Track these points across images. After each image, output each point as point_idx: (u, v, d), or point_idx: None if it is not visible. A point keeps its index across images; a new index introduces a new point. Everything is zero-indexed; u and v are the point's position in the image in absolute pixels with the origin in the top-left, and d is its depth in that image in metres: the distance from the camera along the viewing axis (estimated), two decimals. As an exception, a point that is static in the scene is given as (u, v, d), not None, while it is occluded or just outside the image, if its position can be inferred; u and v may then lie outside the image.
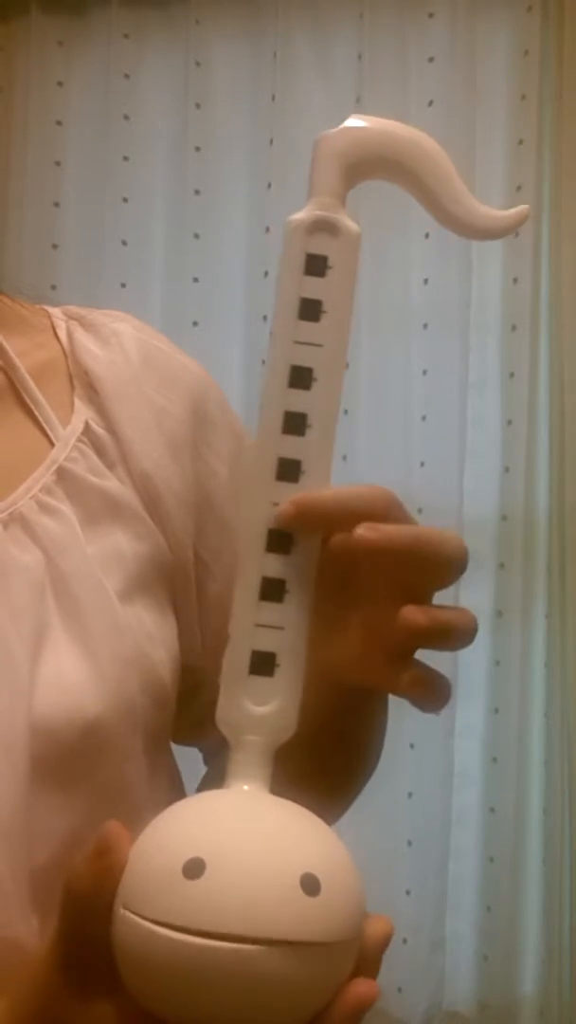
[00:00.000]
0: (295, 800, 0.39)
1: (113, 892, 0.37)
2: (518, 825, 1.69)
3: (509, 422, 1.72)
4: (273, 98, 1.79)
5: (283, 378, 0.43)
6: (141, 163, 1.85)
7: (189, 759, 0.62)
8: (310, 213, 0.43)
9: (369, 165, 0.44)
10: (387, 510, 0.42)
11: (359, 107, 1.71)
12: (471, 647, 0.43)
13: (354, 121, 0.44)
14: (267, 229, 1.77)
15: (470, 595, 1.63)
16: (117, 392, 0.56)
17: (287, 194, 1.72)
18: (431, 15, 1.77)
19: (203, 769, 0.65)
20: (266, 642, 0.42)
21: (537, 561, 1.70)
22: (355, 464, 1.71)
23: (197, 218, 1.82)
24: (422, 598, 0.42)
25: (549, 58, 1.73)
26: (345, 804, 0.59)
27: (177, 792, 0.58)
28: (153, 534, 0.54)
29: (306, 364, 0.43)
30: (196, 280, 1.81)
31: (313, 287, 0.43)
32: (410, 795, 1.71)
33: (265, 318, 1.71)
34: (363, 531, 0.41)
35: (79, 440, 0.54)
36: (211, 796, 0.42)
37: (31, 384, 0.55)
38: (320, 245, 0.43)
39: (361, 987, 0.37)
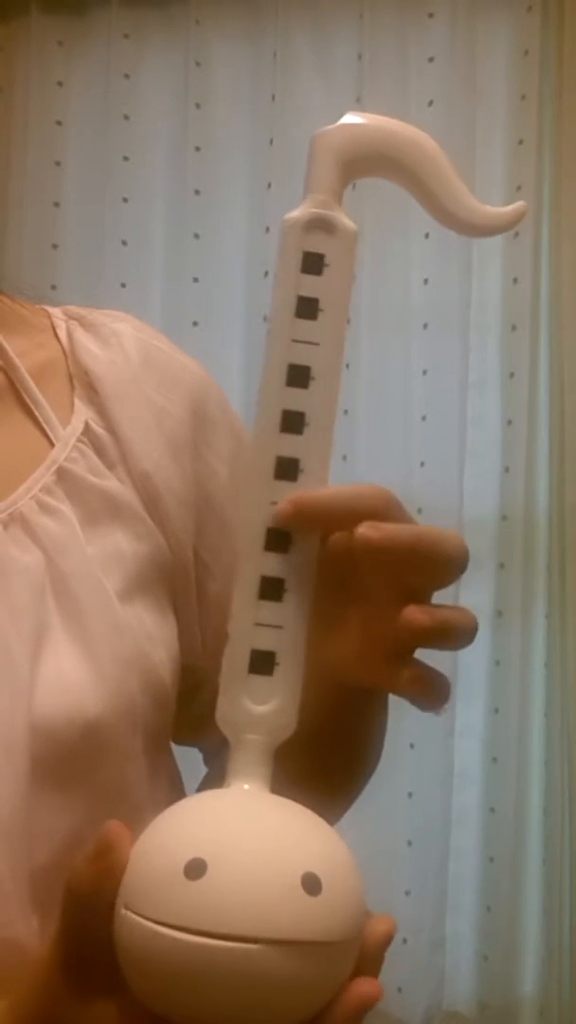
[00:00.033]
0: (296, 799, 0.39)
1: (114, 892, 0.37)
2: (518, 825, 1.69)
3: (509, 422, 1.72)
4: (273, 98, 1.79)
5: (281, 377, 0.43)
6: (141, 163, 1.85)
7: (189, 759, 0.62)
8: (306, 211, 0.43)
9: (366, 162, 0.44)
10: (386, 509, 0.42)
11: (359, 107, 1.70)
12: (471, 647, 0.43)
13: (351, 118, 0.44)
14: (267, 229, 1.77)
15: (470, 595, 1.63)
16: (117, 392, 0.56)
17: (287, 194, 1.72)
18: (431, 15, 1.77)
19: (203, 769, 0.65)
20: (265, 641, 0.42)
21: (537, 561, 1.70)
22: (355, 464, 1.71)
23: (197, 218, 1.82)
24: (422, 597, 0.42)
25: (549, 58, 1.73)
26: (346, 803, 0.59)
27: (177, 792, 0.58)
28: (153, 534, 0.54)
29: (304, 363, 0.43)
30: (196, 280, 1.81)
31: (310, 285, 0.43)
32: (410, 795, 1.71)
33: (265, 318, 1.71)
34: (365, 530, 0.41)
35: (79, 440, 0.54)
36: (212, 796, 0.42)
37: (31, 384, 0.55)
38: (317, 243, 0.43)
39: (363, 986, 0.37)
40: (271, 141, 1.78)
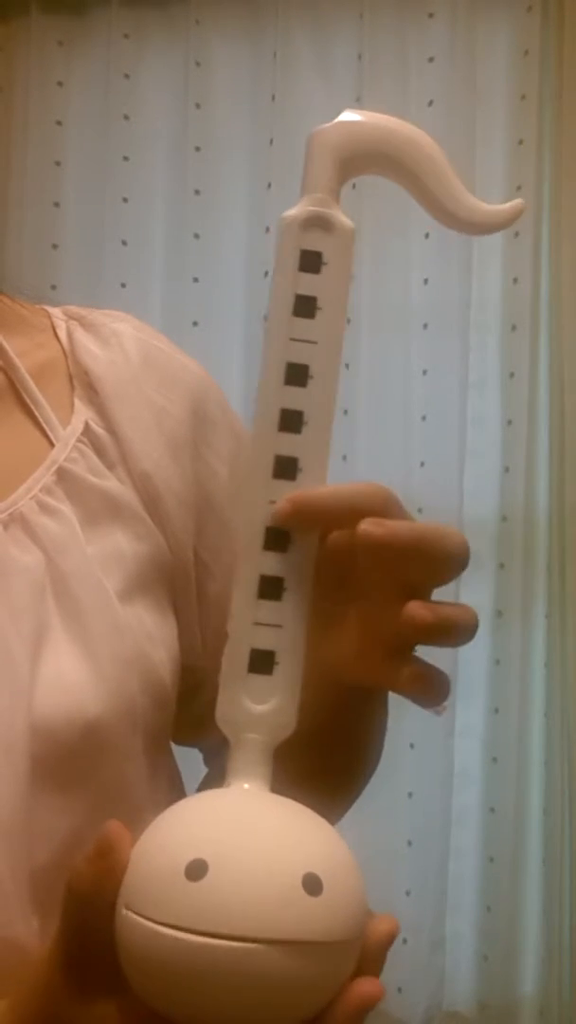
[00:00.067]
0: (296, 799, 0.39)
1: (115, 892, 0.37)
2: (518, 825, 1.69)
3: (509, 422, 1.72)
4: (273, 98, 1.79)
5: (279, 375, 0.43)
6: (141, 163, 1.85)
7: (189, 759, 0.62)
8: (304, 209, 0.43)
9: (363, 160, 0.44)
10: (385, 507, 0.42)
11: (359, 107, 1.71)
12: (471, 646, 0.43)
13: (348, 116, 0.44)
14: (267, 229, 1.77)
15: (470, 595, 1.63)
16: (117, 392, 0.56)
17: (287, 194, 1.72)
18: (431, 15, 1.77)
19: (203, 769, 0.65)
20: (265, 640, 0.42)
21: (537, 561, 1.70)
22: (355, 464, 1.71)
23: (197, 218, 1.82)
24: (422, 594, 0.42)
25: (549, 58, 1.73)
26: (346, 803, 0.59)
27: (177, 792, 0.58)
28: (153, 534, 0.54)
29: (302, 361, 0.43)
30: (196, 280, 1.81)
31: (308, 283, 0.43)
32: (410, 795, 1.71)
33: (265, 318, 1.71)
34: (367, 526, 0.41)
35: (79, 440, 0.54)
36: (212, 795, 0.42)
37: (31, 384, 0.55)
38: (314, 241, 0.43)
39: (365, 986, 0.37)
40: (271, 141, 1.78)
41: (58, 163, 1.87)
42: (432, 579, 0.43)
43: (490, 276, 1.75)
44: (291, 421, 0.42)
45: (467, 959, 1.73)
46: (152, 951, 0.35)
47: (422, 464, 1.73)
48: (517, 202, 0.45)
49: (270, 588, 0.42)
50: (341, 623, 0.46)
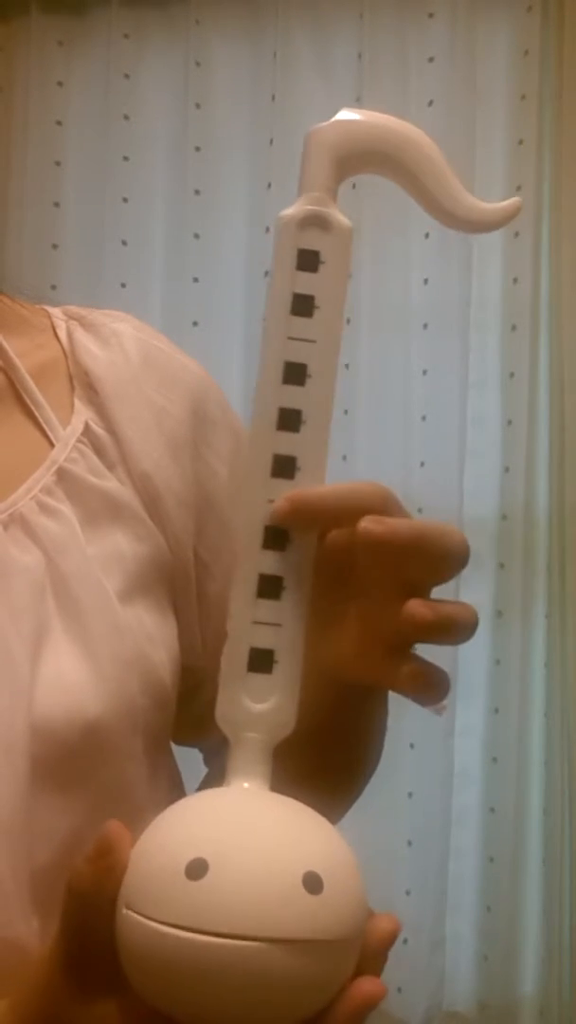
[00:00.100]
0: (296, 798, 0.39)
1: (115, 891, 0.37)
2: (518, 825, 1.69)
3: (509, 422, 1.72)
4: (273, 98, 1.79)
5: (277, 374, 0.43)
6: (141, 163, 1.85)
7: (189, 759, 0.62)
8: (301, 208, 0.43)
9: (360, 159, 0.44)
10: (384, 506, 0.42)
11: (359, 107, 1.71)
12: (471, 646, 0.43)
13: (345, 115, 0.44)
14: (267, 229, 1.77)
15: (470, 595, 1.63)
16: (117, 392, 0.56)
17: (287, 194, 1.70)
18: (431, 15, 1.77)
19: (203, 769, 0.65)
20: (264, 639, 0.42)
21: (537, 561, 1.70)
22: (355, 464, 1.71)
23: (197, 218, 1.82)
24: (422, 593, 0.42)
25: (549, 58, 1.73)
26: (347, 802, 0.59)
27: (177, 792, 0.58)
28: (153, 535, 0.54)
29: (300, 360, 0.43)
30: (196, 280, 1.81)
31: (306, 282, 0.43)
32: (410, 795, 1.71)
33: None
34: (367, 524, 0.41)
35: (79, 441, 0.54)
36: (212, 794, 0.42)
37: (31, 385, 0.55)
38: (312, 240, 0.43)
39: (367, 985, 0.37)
40: (271, 141, 1.78)
41: (58, 163, 1.87)
42: (432, 577, 0.43)
43: (490, 276, 1.75)
44: (289, 420, 0.42)
45: (467, 959, 1.74)
46: (152, 950, 0.35)
47: (422, 464, 1.73)
48: (515, 200, 0.45)
49: (269, 587, 0.42)
50: (340, 622, 0.46)
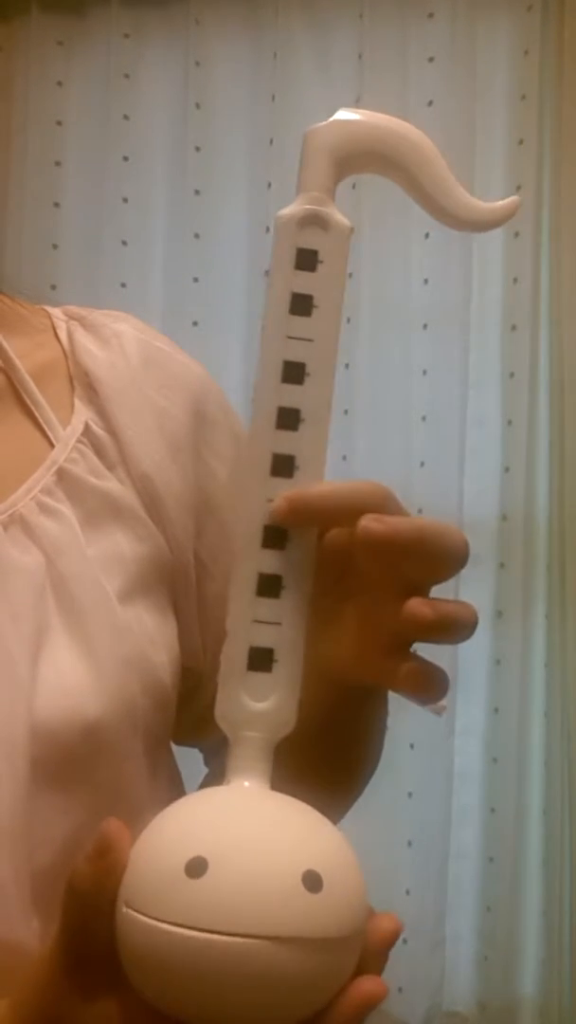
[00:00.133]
0: (296, 796, 0.39)
1: (115, 890, 0.37)
2: (518, 825, 1.69)
3: (509, 422, 1.72)
4: (273, 98, 1.79)
5: (276, 374, 0.43)
6: (141, 163, 1.85)
7: (189, 759, 0.62)
8: (300, 207, 0.43)
9: (358, 158, 0.44)
10: (383, 504, 0.42)
11: (359, 106, 1.71)
12: (471, 646, 0.43)
13: (343, 114, 0.44)
14: (267, 229, 1.77)
15: (470, 595, 1.62)
16: (117, 393, 0.56)
17: (287, 194, 1.70)
18: (431, 15, 1.77)
19: (203, 769, 0.65)
20: (263, 638, 0.42)
21: (537, 561, 1.70)
22: (355, 464, 1.71)
23: (197, 218, 1.82)
24: (422, 591, 0.42)
25: (549, 58, 1.73)
26: (347, 801, 0.59)
27: (178, 792, 0.58)
28: (153, 535, 0.54)
29: (299, 359, 0.43)
30: (196, 280, 1.81)
31: (304, 282, 0.43)
32: (410, 795, 1.71)
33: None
34: (368, 522, 0.40)
35: (79, 441, 0.54)
36: (212, 793, 0.42)
37: (31, 385, 0.55)
38: (311, 239, 0.43)
39: (367, 984, 0.37)
40: (271, 141, 1.78)
41: (58, 163, 1.87)
42: (432, 576, 0.43)
43: (490, 276, 1.75)
44: (288, 419, 0.42)
45: (467, 959, 1.73)
46: (152, 948, 0.35)
47: (422, 464, 1.73)
48: (513, 199, 0.45)
49: (269, 586, 0.42)
50: (339, 621, 0.46)
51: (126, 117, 1.85)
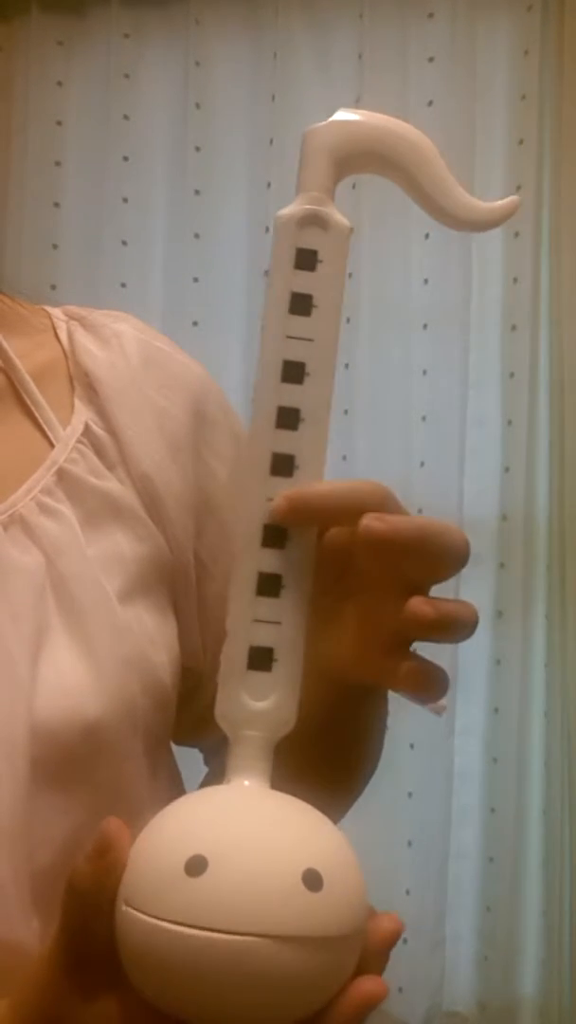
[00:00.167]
0: (296, 796, 0.39)
1: (115, 889, 0.37)
2: (518, 825, 1.69)
3: (509, 422, 1.72)
4: (273, 98, 1.79)
5: (275, 373, 0.43)
6: (141, 163, 1.85)
7: (189, 759, 0.62)
8: (300, 207, 0.43)
9: (358, 159, 0.44)
10: (383, 504, 0.42)
11: (359, 107, 1.71)
12: (471, 646, 0.43)
13: (342, 115, 0.44)
14: (267, 229, 1.77)
15: (470, 595, 1.62)
16: (117, 393, 0.56)
17: (287, 194, 1.70)
18: (431, 15, 1.77)
19: (203, 769, 0.65)
20: (263, 637, 0.42)
21: (537, 561, 1.70)
22: (355, 464, 1.71)
23: (197, 218, 1.82)
24: (422, 590, 0.42)
25: (549, 58, 1.73)
26: (347, 801, 0.59)
27: (177, 792, 0.58)
28: (153, 535, 0.54)
29: (298, 359, 0.43)
30: (196, 280, 1.81)
31: (304, 281, 0.43)
32: (410, 795, 1.71)
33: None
34: (369, 521, 0.41)
35: (79, 441, 0.54)
36: (212, 792, 0.42)
37: (31, 385, 0.55)
38: (310, 239, 0.43)
39: (368, 984, 0.37)
40: (271, 141, 1.78)
41: (58, 163, 1.87)
42: (432, 575, 0.43)
43: (490, 276, 1.75)
44: (288, 418, 0.43)
45: (467, 959, 1.73)
46: (152, 947, 0.35)
47: (422, 464, 1.73)
48: (512, 198, 0.45)
49: (268, 585, 0.42)
50: (339, 619, 0.46)
51: (126, 117, 1.85)
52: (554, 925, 1.67)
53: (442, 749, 1.70)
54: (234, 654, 0.42)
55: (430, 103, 1.75)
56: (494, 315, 1.75)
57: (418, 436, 1.74)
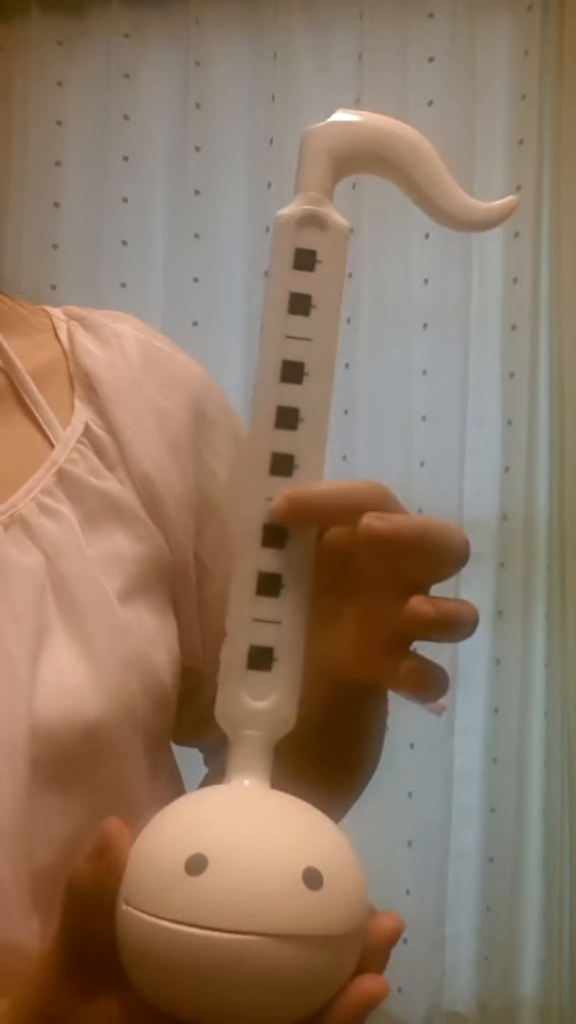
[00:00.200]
0: (296, 795, 0.39)
1: (115, 889, 0.37)
2: (518, 825, 1.69)
3: (509, 422, 1.72)
4: (273, 98, 1.79)
5: (275, 373, 0.43)
6: (141, 163, 1.85)
7: (189, 759, 0.62)
8: (298, 207, 0.43)
9: (357, 159, 0.44)
10: (382, 503, 0.42)
11: (359, 107, 1.71)
12: (471, 646, 0.43)
13: (341, 115, 0.44)
14: (267, 229, 1.77)
15: (470, 594, 1.60)
16: (117, 393, 0.56)
17: (287, 194, 1.70)
18: (431, 15, 1.77)
19: (203, 769, 0.65)
20: (263, 637, 0.42)
21: (537, 561, 1.70)
22: (355, 464, 1.71)
23: (197, 218, 1.82)
24: (422, 590, 0.42)
25: (549, 58, 1.73)
26: (347, 800, 0.59)
27: (177, 792, 0.58)
28: (153, 536, 0.54)
29: (297, 359, 0.43)
30: (196, 280, 1.81)
31: (303, 282, 0.43)
32: (410, 795, 1.71)
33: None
34: (370, 520, 0.41)
35: (79, 441, 0.54)
36: (212, 791, 0.42)
37: (31, 385, 0.55)
38: (309, 239, 0.43)
39: (368, 983, 0.37)
40: (271, 141, 1.78)
41: (58, 163, 1.87)
42: (433, 574, 0.43)
43: (490, 276, 1.75)
44: (287, 418, 0.43)
45: (467, 959, 1.74)
46: (152, 946, 0.35)
47: (422, 464, 1.73)
48: (511, 198, 0.45)
49: (268, 584, 0.42)
50: (339, 619, 0.46)
51: (126, 117, 1.85)
52: (554, 925, 1.67)
53: (442, 749, 1.70)
54: (234, 654, 0.42)
55: (430, 103, 1.75)
56: (494, 315, 1.75)
57: (418, 436, 1.74)
